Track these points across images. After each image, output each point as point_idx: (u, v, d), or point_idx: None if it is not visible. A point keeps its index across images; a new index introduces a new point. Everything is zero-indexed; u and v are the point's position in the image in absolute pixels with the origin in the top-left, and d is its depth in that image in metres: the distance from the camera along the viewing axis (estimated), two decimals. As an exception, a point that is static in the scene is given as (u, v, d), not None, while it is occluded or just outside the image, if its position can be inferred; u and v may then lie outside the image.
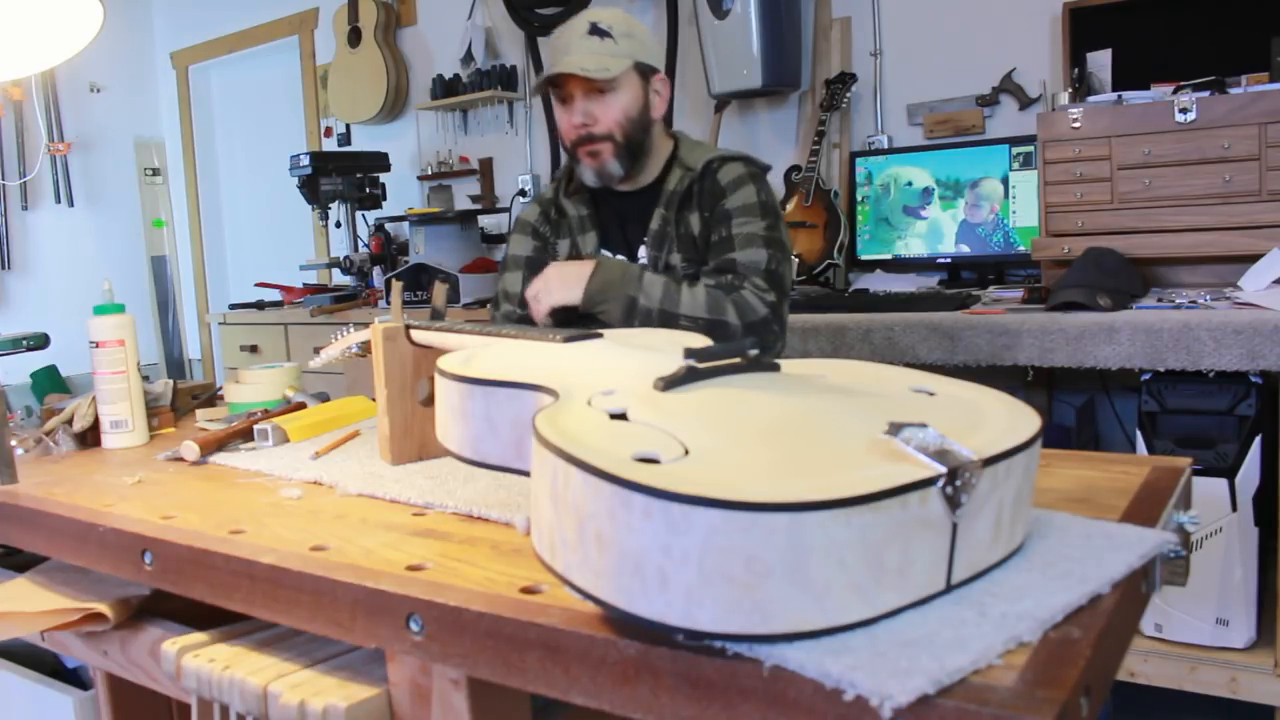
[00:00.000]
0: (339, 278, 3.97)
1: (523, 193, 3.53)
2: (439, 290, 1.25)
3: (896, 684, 0.49)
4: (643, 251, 1.67)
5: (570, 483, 0.56)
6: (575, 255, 1.68)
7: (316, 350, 1.38)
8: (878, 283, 2.64)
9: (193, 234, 4.98)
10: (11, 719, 1.35)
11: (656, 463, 0.56)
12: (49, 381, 1.72)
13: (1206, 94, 2.00)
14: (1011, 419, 0.66)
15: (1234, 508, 1.80)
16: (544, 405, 0.70)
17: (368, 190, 3.66)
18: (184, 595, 0.87)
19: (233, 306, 4.08)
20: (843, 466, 0.57)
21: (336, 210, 3.67)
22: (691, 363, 0.73)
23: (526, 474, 0.68)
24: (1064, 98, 2.22)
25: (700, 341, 0.90)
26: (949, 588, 0.59)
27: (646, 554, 0.52)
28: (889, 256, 2.70)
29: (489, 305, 1.81)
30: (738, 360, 0.76)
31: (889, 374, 0.78)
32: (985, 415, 0.67)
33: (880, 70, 2.86)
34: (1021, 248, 2.49)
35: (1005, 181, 2.52)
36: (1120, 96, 2.12)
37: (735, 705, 0.54)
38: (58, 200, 4.61)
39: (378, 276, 3.70)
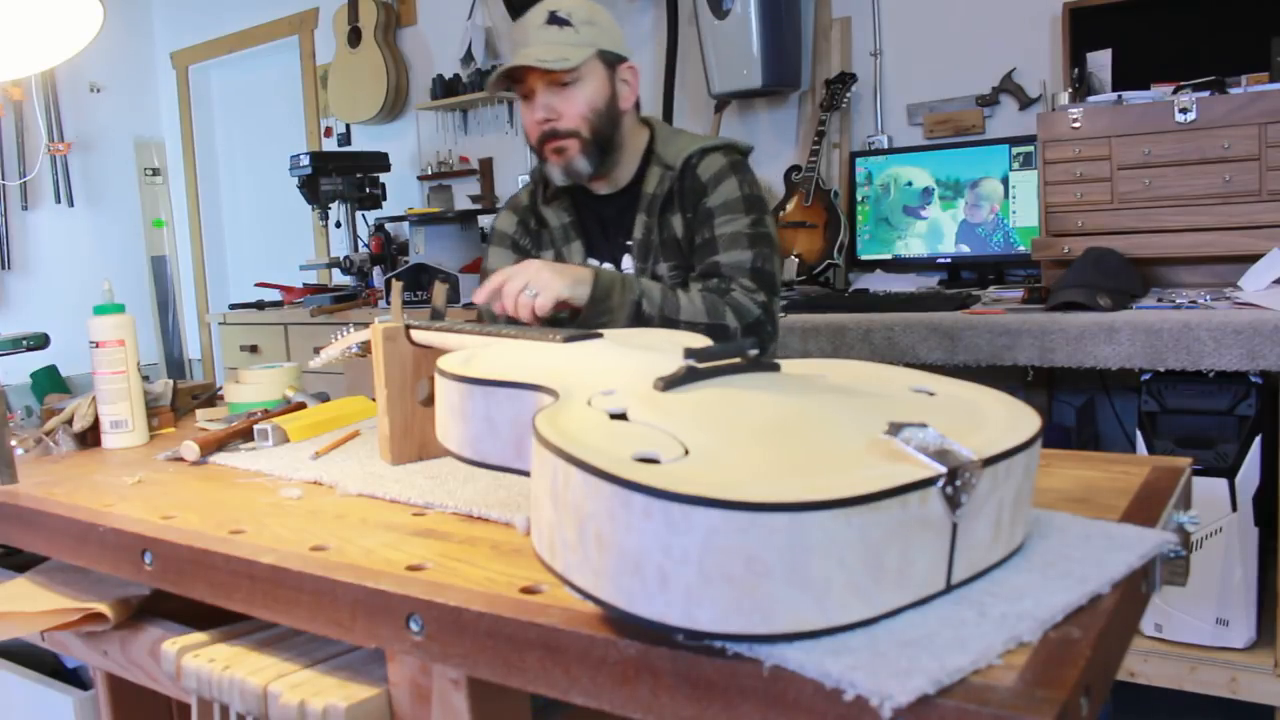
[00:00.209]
0: (339, 278, 3.98)
1: (522, 193, 3.53)
2: (439, 290, 1.25)
3: (896, 684, 0.49)
4: (627, 261, 1.58)
5: (570, 483, 0.56)
6: None
7: (316, 350, 1.38)
8: (878, 283, 2.64)
9: (193, 234, 4.98)
10: (11, 719, 1.35)
11: (656, 463, 0.56)
12: (49, 381, 1.72)
13: (1206, 94, 2.00)
14: (1011, 419, 0.66)
15: (1234, 508, 1.80)
16: (544, 405, 0.70)
17: (368, 190, 3.66)
18: (184, 595, 0.87)
19: (233, 306, 4.08)
20: (843, 466, 0.57)
21: (336, 210, 3.67)
22: (691, 363, 0.73)
23: (526, 474, 0.68)
24: (1064, 98, 2.22)
25: (700, 341, 0.90)
26: (949, 588, 0.59)
27: (646, 554, 0.52)
28: (889, 256, 2.70)
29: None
30: (737, 360, 0.76)
31: (889, 374, 0.78)
32: (985, 415, 0.67)
33: (880, 70, 2.86)
34: (1021, 248, 2.49)
35: (1005, 181, 2.52)
36: (1120, 96, 2.12)
37: (735, 705, 0.54)
38: (58, 200, 4.61)
39: (378, 276, 3.70)
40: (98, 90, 4.75)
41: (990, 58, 2.67)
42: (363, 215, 3.77)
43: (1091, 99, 2.18)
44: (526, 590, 0.68)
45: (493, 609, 0.64)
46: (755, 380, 0.74)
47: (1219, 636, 1.84)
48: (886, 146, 2.82)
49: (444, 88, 3.71)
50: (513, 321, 1.34)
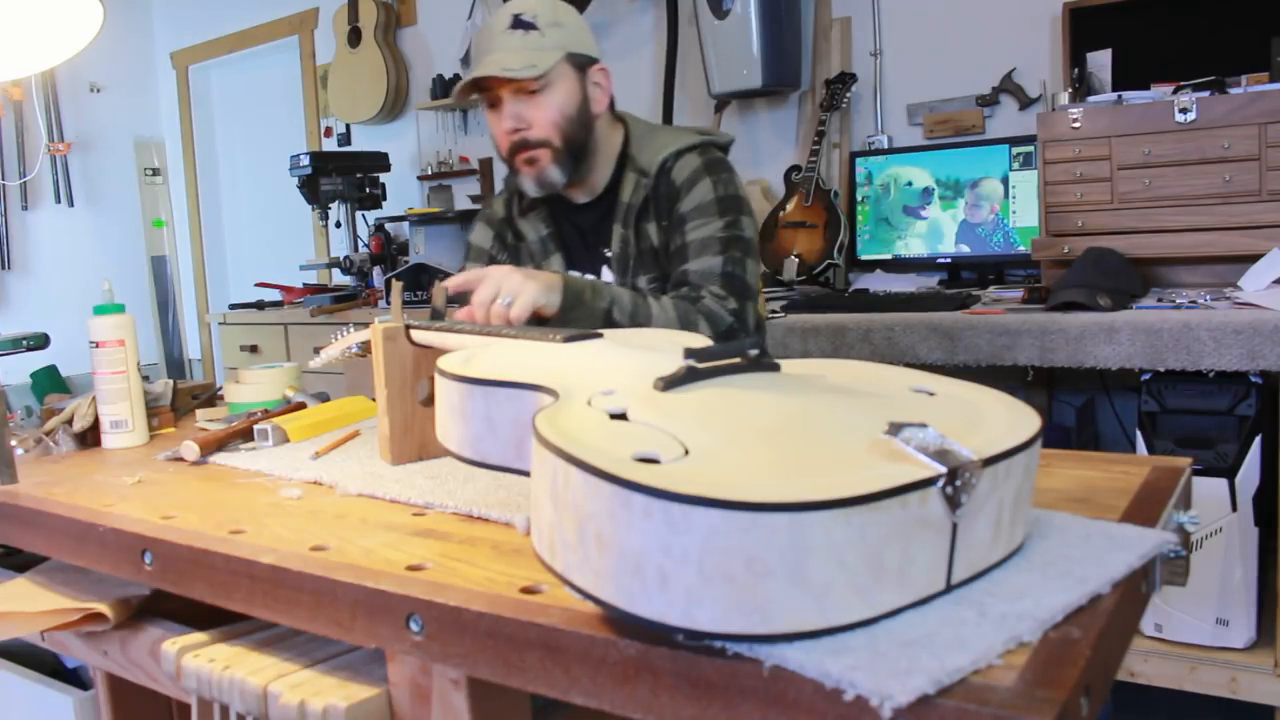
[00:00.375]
0: (339, 278, 3.98)
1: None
2: (439, 290, 1.25)
3: (896, 684, 0.49)
4: (606, 274, 1.55)
5: (570, 483, 0.56)
6: None
7: (316, 350, 1.37)
8: (878, 283, 2.64)
9: (193, 234, 4.98)
10: (11, 719, 1.35)
11: (656, 463, 0.56)
12: (49, 381, 1.71)
13: (1206, 94, 2.00)
14: (1011, 419, 0.66)
15: (1234, 508, 1.80)
16: (544, 405, 0.70)
17: (368, 190, 3.66)
18: (184, 595, 0.87)
19: (233, 306, 4.08)
20: (843, 466, 0.57)
21: (336, 210, 3.67)
22: (691, 363, 0.73)
23: (526, 474, 0.68)
24: (1064, 98, 2.22)
25: (700, 341, 0.90)
26: (949, 588, 0.59)
27: (646, 554, 0.52)
28: (889, 256, 2.70)
29: None
30: (738, 360, 0.76)
31: (889, 374, 0.78)
32: (985, 415, 0.67)
33: (880, 70, 2.86)
34: (1021, 248, 2.49)
35: (1005, 181, 2.52)
36: (1120, 96, 2.12)
37: (735, 705, 0.54)
38: (58, 200, 4.61)
39: (378, 276, 3.71)
40: (98, 90, 4.75)
41: (990, 58, 2.67)
42: (363, 215, 3.78)
43: (1091, 99, 2.18)
44: (526, 590, 0.68)
45: (493, 609, 0.64)
46: (755, 380, 0.74)
47: (1219, 636, 1.84)
48: (886, 146, 2.82)
49: (444, 88, 3.71)
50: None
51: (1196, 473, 1.45)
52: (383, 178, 3.73)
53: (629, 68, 3.33)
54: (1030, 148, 2.44)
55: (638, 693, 0.57)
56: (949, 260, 2.61)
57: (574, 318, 1.31)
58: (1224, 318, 1.74)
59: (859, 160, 2.75)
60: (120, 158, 4.86)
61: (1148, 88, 2.18)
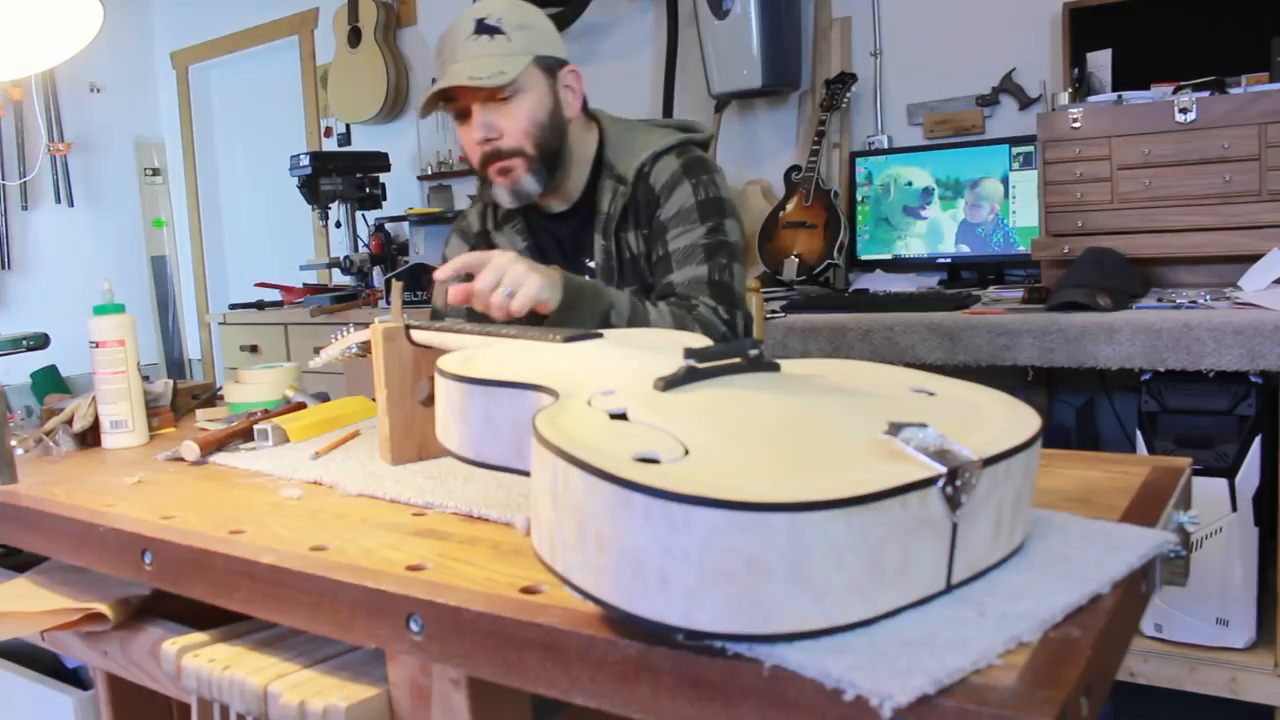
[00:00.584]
0: (339, 278, 3.98)
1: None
2: (439, 290, 1.24)
3: (896, 684, 0.49)
4: None
5: (570, 483, 0.56)
6: None
7: (316, 350, 1.37)
8: (878, 283, 2.64)
9: (193, 234, 4.98)
10: (11, 719, 1.35)
11: (657, 463, 0.56)
12: (49, 381, 1.71)
13: (1206, 94, 2.00)
14: (1012, 419, 0.66)
15: (1234, 508, 1.80)
16: (544, 405, 0.70)
17: (368, 190, 3.66)
18: (184, 595, 0.87)
19: (233, 306, 4.08)
20: (843, 466, 0.57)
21: (336, 210, 3.67)
22: (691, 363, 0.73)
23: (526, 474, 0.68)
24: (1064, 98, 2.22)
25: (700, 341, 0.90)
26: (949, 588, 0.59)
27: (647, 554, 0.52)
28: (889, 256, 2.70)
29: None
30: (738, 360, 0.76)
31: (889, 374, 0.78)
32: (985, 415, 0.67)
33: (880, 70, 2.86)
34: (1021, 248, 2.49)
35: (1005, 181, 2.52)
36: (1120, 96, 2.12)
37: (735, 705, 0.54)
38: (58, 200, 4.61)
39: (378, 276, 3.71)
40: (98, 90, 4.75)
41: (990, 58, 2.67)
42: (363, 215, 3.77)
43: (1091, 99, 2.18)
44: (526, 590, 0.68)
45: (493, 609, 0.64)
46: (755, 380, 0.74)
47: (1219, 636, 1.84)
48: (886, 146, 2.82)
49: (444, 88, 3.71)
50: (479, 318, 1.26)
51: (1196, 473, 1.45)
52: (383, 178, 3.73)
53: (629, 68, 3.33)
54: (1030, 148, 2.44)
55: (638, 693, 0.57)
56: (949, 260, 2.61)
57: (572, 318, 1.27)
58: (1224, 318, 1.74)
59: (859, 160, 2.75)
60: (120, 158, 4.86)
61: (1148, 88, 2.18)
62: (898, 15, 2.83)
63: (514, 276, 1.19)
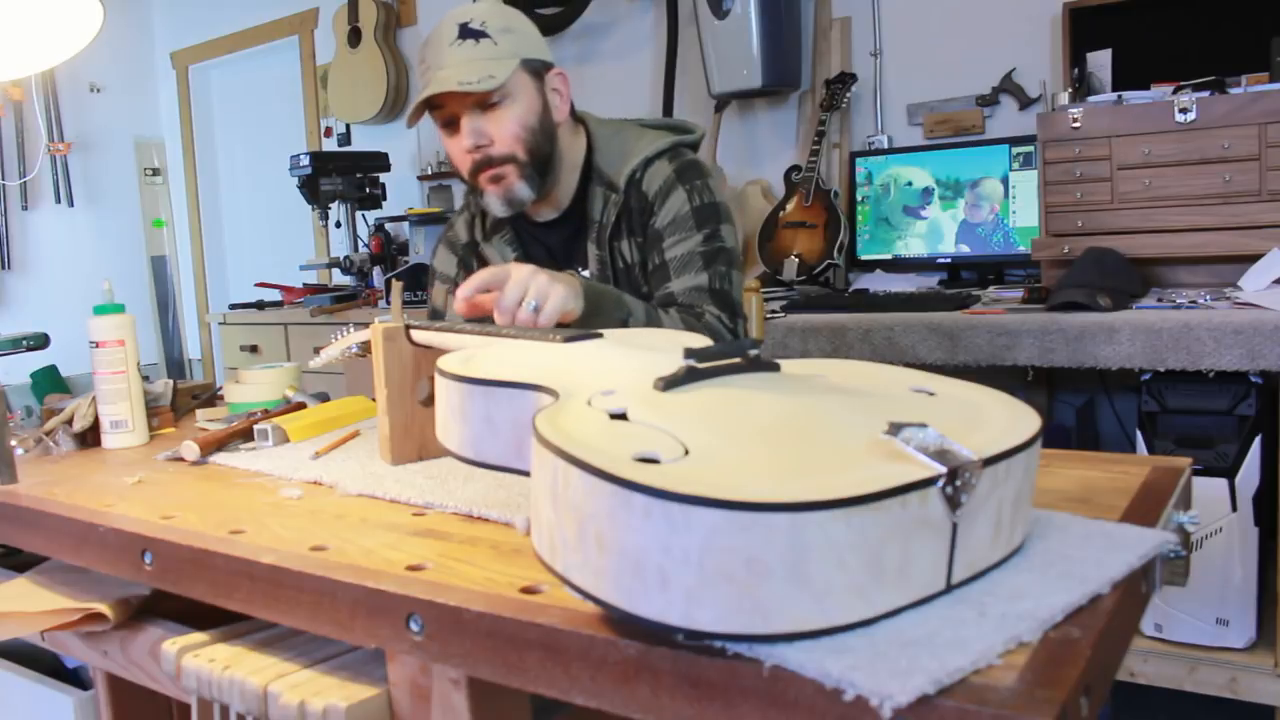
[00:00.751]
0: (339, 278, 3.98)
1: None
2: (439, 290, 1.25)
3: (896, 684, 0.49)
4: None
5: (570, 483, 0.56)
6: None
7: (316, 350, 1.37)
8: (878, 283, 2.64)
9: (193, 234, 4.98)
10: (11, 719, 1.35)
11: (657, 463, 0.56)
12: (49, 381, 1.71)
13: (1206, 94, 2.00)
14: (1012, 419, 0.66)
15: (1234, 508, 1.80)
16: (544, 405, 0.70)
17: (368, 190, 3.66)
18: (184, 595, 0.87)
19: (233, 306, 4.08)
20: (843, 466, 0.57)
21: (336, 210, 3.67)
22: (691, 363, 0.73)
23: (526, 474, 0.68)
24: (1064, 98, 2.22)
25: (700, 341, 0.90)
26: (949, 588, 0.59)
27: (647, 554, 0.52)
28: (889, 256, 2.70)
29: None
30: (738, 360, 0.76)
31: (889, 374, 0.78)
32: (985, 415, 0.67)
33: (880, 70, 2.86)
34: (1021, 248, 2.49)
35: (1005, 181, 2.52)
36: (1120, 96, 2.12)
37: (735, 705, 0.54)
38: (58, 200, 4.61)
39: (378, 276, 3.71)
40: (98, 90, 4.75)
41: (990, 58, 2.67)
42: (363, 215, 3.78)
43: (1091, 99, 2.18)
44: (526, 590, 0.68)
45: (493, 609, 0.64)
46: (755, 380, 0.74)
47: (1219, 636, 1.84)
48: (886, 146, 2.82)
49: (444, 88, 3.71)
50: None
51: (1196, 473, 1.45)
52: (383, 178, 3.73)
53: (629, 68, 3.33)
54: (1030, 148, 2.44)
55: (638, 693, 0.57)
56: (949, 260, 2.61)
57: (592, 325, 1.19)
58: (1224, 318, 1.74)
59: (859, 160, 2.75)
60: (120, 158, 4.86)
61: (1148, 88, 2.18)
62: (898, 15, 2.83)
63: (538, 289, 1.15)
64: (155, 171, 5.00)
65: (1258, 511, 1.81)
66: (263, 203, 4.78)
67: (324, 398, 1.47)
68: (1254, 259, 1.95)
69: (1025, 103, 2.62)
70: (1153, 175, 2.04)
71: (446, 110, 1.36)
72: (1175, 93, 2.04)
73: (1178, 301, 1.92)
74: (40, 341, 1.92)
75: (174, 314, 5.02)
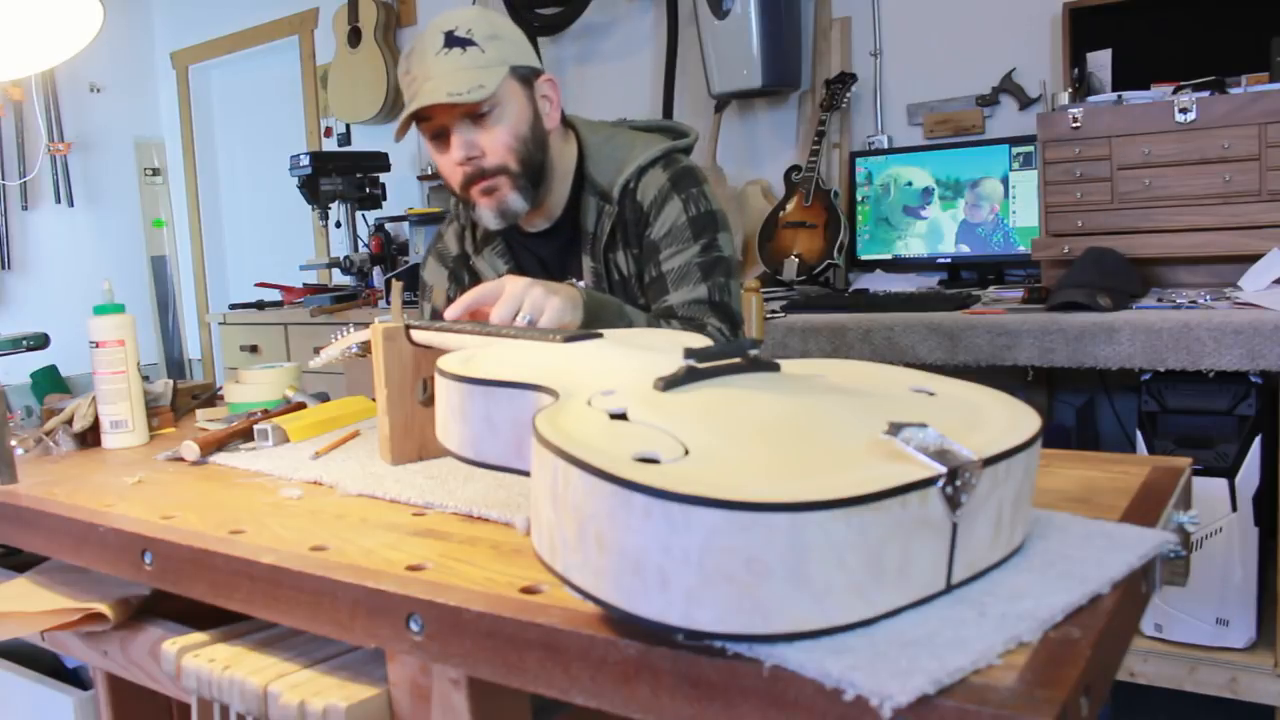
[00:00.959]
0: (339, 278, 3.98)
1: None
2: (439, 290, 1.24)
3: (896, 684, 0.49)
4: None
5: (570, 483, 0.56)
6: None
7: (316, 350, 1.37)
8: (878, 283, 2.64)
9: (193, 234, 4.98)
10: (11, 719, 1.35)
11: (657, 463, 0.56)
12: (49, 381, 1.71)
13: (1206, 94, 2.00)
14: (1012, 419, 0.66)
15: (1234, 508, 1.80)
16: (544, 405, 0.70)
17: (368, 190, 3.66)
18: (184, 595, 0.87)
19: (233, 306, 4.08)
20: (843, 466, 0.57)
21: (336, 210, 3.67)
22: (691, 363, 0.73)
23: (526, 474, 0.68)
24: (1064, 98, 2.22)
25: (700, 341, 0.90)
26: (949, 588, 0.59)
27: (647, 554, 0.52)
28: (889, 256, 2.70)
29: None
30: (737, 360, 0.76)
31: (889, 374, 0.78)
32: (985, 415, 0.67)
33: (880, 70, 2.86)
34: (1021, 248, 2.49)
35: (1005, 181, 2.52)
36: (1120, 96, 2.12)
37: (735, 705, 0.54)
38: (58, 200, 4.61)
39: (378, 276, 3.71)
40: (98, 90, 4.75)
41: (990, 58, 2.67)
42: (363, 215, 3.77)
43: (1091, 99, 2.18)
44: (526, 590, 0.68)
45: (493, 609, 0.64)
46: (755, 380, 0.74)
47: (1219, 636, 1.84)
48: (886, 146, 2.82)
49: (444, 88, 3.71)
50: None
51: (1196, 473, 1.45)
52: (383, 178, 3.73)
53: (629, 68, 3.33)
54: (1030, 148, 2.44)
55: (638, 693, 0.57)
56: (949, 260, 2.61)
57: (599, 326, 1.18)
58: (1224, 318, 1.74)
59: (859, 160, 2.75)
60: (120, 158, 4.86)
61: (1148, 88, 2.18)
62: (898, 15, 2.83)
63: (533, 303, 1.12)
64: (155, 171, 5.00)
65: (1258, 511, 1.81)
66: (263, 203, 4.78)
67: (324, 398, 1.47)
68: (1254, 259, 1.95)
69: (1025, 103, 2.62)
70: (1153, 175, 2.04)
71: (435, 122, 1.32)
72: (1175, 93, 2.04)
73: (1178, 301, 1.92)
74: (40, 341, 1.92)
75: (174, 314, 5.02)
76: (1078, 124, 2.11)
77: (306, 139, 4.39)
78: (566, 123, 1.45)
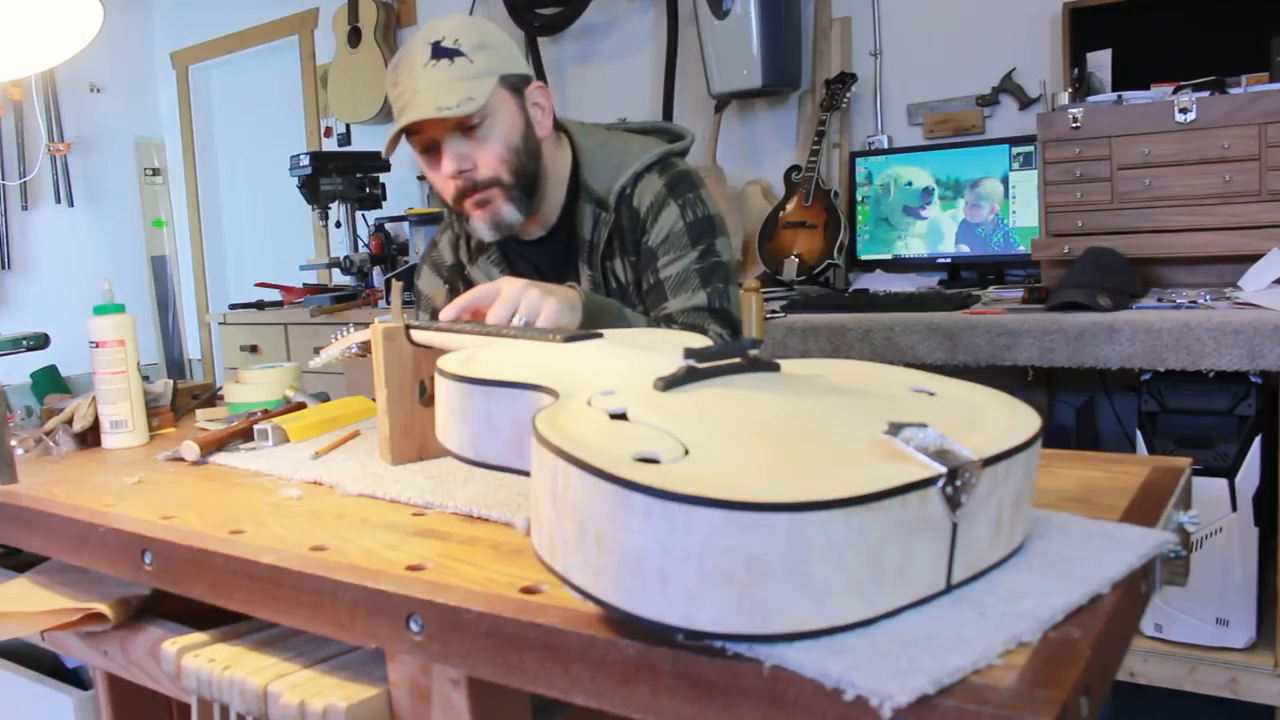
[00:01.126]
0: (339, 278, 3.98)
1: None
2: (439, 291, 1.24)
3: (896, 684, 0.49)
4: None
5: (570, 483, 0.56)
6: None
7: (316, 350, 1.37)
8: (878, 283, 2.64)
9: (193, 234, 4.98)
10: (11, 719, 1.35)
11: (657, 463, 0.56)
12: (49, 381, 1.72)
13: (1206, 94, 2.00)
14: (1012, 419, 0.66)
15: (1234, 508, 1.80)
16: (544, 405, 0.70)
17: (368, 190, 3.66)
18: (184, 595, 0.87)
19: (233, 306, 4.08)
20: (843, 466, 0.57)
21: (336, 210, 3.67)
22: (691, 363, 0.73)
23: (526, 474, 0.68)
24: (1064, 98, 2.22)
25: (700, 341, 0.90)
26: (949, 588, 0.59)
27: (647, 554, 0.52)
28: (889, 256, 2.70)
29: None
30: (737, 360, 0.76)
31: (889, 374, 0.78)
32: (985, 415, 0.67)
33: (880, 70, 2.86)
34: (1021, 248, 2.49)
35: (1005, 181, 2.52)
36: (1120, 96, 2.12)
37: (735, 705, 0.54)
38: (58, 200, 4.61)
39: (378, 276, 3.71)
40: (98, 90, 4.75)
41: (990, 58, 2.67)
42: (363, 215, 3.77)
43: (1091, 99, 2.18)
44: (526, 590, 0.68)
45: (493, 609, 0.64)
46: (755, 380, 0.74)
47: (1219, 636, 1.84)
48: (886, 146, 2.82)
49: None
50: None
51: (1196, 473, 1.45)
52: (383, 178, 3.73)
53: (629, 68, 3.33)
54: (1030, 148, 2.44)
55: (638, 693, 0.57)
56: (949, 260, 2.61)
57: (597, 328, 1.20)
58: (1224, 318, 1.74)
59: (859, 160, 2.75)
60: (120, 158, 4.86)
61: (1148, 88, 2.18)
62: (898, 15, 2.83)
63: (530, 304, 1.11)
64: (155, 171, 5.00)
65: (1258, 511, 1.81)
66: (263, 203, 4.78)
67: (324, 398, 1.47)
68: (1254, 259, 1.95)
69: (1025, 103, 2.62)
70: (1153, 175, 2.04)
71: (425, 135, 1.30)
72: (1175, 93, 2.04)
73: (1178, 301, 1.92)
74: (40, 341, 1.92)
75: (174, 314, 5.02)
76: (1078, 124, 2.11)
77: (306, 139, 4.39)
78: (559, 127, 1.43)
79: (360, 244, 3.75)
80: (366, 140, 4.13)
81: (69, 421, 1.37)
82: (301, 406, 1.38)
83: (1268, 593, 1.83)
